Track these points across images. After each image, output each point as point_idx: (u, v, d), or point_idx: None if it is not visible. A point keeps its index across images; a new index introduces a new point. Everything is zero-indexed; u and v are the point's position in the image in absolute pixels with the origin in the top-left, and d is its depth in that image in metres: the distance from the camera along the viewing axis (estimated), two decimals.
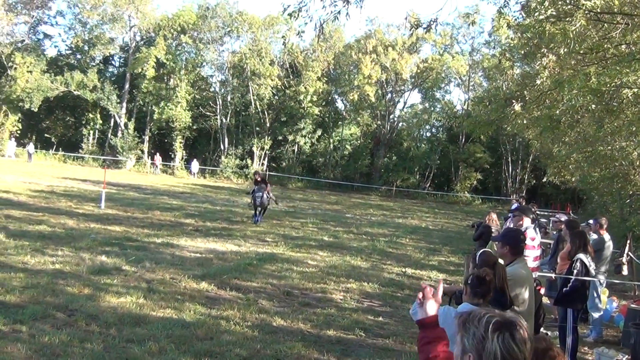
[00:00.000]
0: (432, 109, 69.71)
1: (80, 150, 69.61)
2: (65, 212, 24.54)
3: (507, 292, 5.85)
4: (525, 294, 6.46)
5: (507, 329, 2.71)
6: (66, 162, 66.49)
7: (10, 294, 11.27)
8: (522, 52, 22.00)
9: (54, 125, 74.27)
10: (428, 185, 66.93)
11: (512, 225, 11.90)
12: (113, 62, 77.90)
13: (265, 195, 27.02)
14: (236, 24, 67.34)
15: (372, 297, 14.08)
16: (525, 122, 22.76)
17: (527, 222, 12.10)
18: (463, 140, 65.56)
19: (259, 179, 27.83)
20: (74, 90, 66.65)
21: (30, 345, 8.69)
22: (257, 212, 27.24)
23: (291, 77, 67.92)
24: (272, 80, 65.73)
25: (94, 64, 71.51)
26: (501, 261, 6.48)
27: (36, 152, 65.33)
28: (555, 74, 15.61)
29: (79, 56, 72.67)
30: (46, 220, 21.62)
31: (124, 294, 12.00)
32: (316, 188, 62.93)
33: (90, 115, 70.45)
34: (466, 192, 63.65)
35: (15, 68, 66.64)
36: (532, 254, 10.23)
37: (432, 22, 12.78)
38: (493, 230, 15.12)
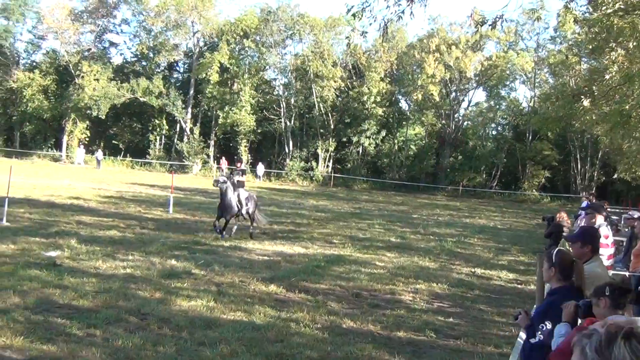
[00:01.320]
0: (498, 106, 68.98)
1: (147, 156, 70.55)
2: (135, 217, 24.91)
3: (584, 291, 5.72)
4: None
5: (634, 336, 2.64)
6: (134, 167, 67.54)
7: (83, 299, 11.44)
8: (590, 47, 21.64)
9: (121, 132, 75.46)
10: (495, 184, 66.19)
11: (584, 224, 11.67)
12: (177, 68, 78.93)
13: (241, 197, 21.55)
14: (298, 26, 67.60)
15: (441, 297, 13.95)
16: (594, 117, 22.43)
17: (600, 219, 11.87)
18: (530, 137, 64.68)
19: (239, 166, 22.96)
20: (140, 97, 67.71)
21: (104, 349, 8.80)
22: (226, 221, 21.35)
23: (354, 78, 67.85)
24: (335, 82, 65.78)
25: (159, 70, 72.58)
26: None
27: (105, 158, 66.53)
28: (625, 68, 15.32)
29: (144, 63, 73.77)
30: (116, 225, 21.97)
31: (195, 297, 12.09)
32: (381, 189, 62.70)
33: (157, 121, 71.39)
34: (534, 191, 62.72)
35: (83, 76, 68.02)
36: (606, 252, 10.01)
37: (497, 19, 12.64)
38: (565, 229, 14.86)
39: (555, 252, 5.88)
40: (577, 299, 5.63)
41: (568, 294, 5.63)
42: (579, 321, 5.22)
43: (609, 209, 26.90)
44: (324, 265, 16.77)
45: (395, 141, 68.93)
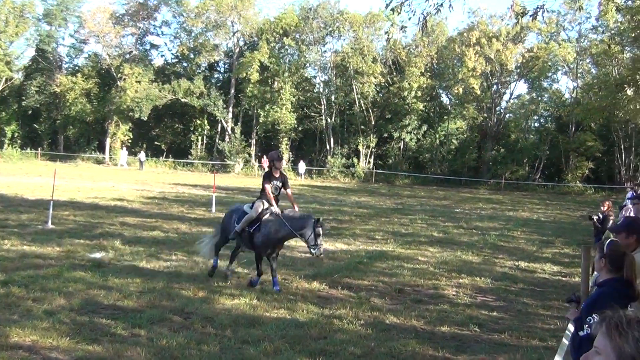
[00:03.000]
0: (540, 98, 68.47)
1: (189, 156, 71.15)
2: (178, 217, 25.07)
3: (634, 284, 5.63)
4: None
5: None
6: (176, 168, 68.14)
7: (128, 299, 11.54)
8: (632, 35, 21.39)
9: (163, 133, 76.16)
10: (538, 176, 65.66)
11: (632, 214, 11.51)
12: (218, 68, 79.38)
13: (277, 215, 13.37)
14: (338, 23, 67.69)
15: (485, 291, 13.85)
16: (638, 107, 22.09)
17: None
18: (573, 129, 64.03)
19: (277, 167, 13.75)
20: (182, 98, 68.28)
21: (149, 349, 8.86)
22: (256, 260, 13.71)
23: (394, 73, 67.73)
24: (375, 77, 65.77)
25: (199, 71, 73.13)
26: None
27: (147, 160, 67.24)
28: None
29: (185, 64, 74.48)
30: (159, 226, 22.13)
31: (238, 296, 12.15)
32: (423, 184, 62.52)
33: (198, 122, 71.97)
34: (578, 182, 62.07)
35: (125, 79, 68.79)
36: None
37: (538, 9, 12.53)
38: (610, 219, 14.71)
39: (607, 243, 5.81)
40: (627, 292, 5.55)
41: (618, 286, 5.56)
42: None
43: None
44: (367, 262, 16.75)
45: (437, 136, 68.72)
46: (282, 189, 13.85)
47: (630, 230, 6.72)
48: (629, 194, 22.49)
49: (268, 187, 13.43)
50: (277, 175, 13.65)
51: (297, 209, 13.56)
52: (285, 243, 17.37)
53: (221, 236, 14.29)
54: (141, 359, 8.53)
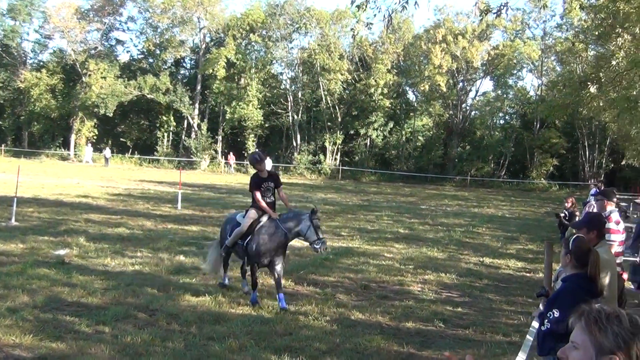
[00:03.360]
0: (505, 96, 68.91)
1: (155, 153, 70.75)
2: (143, 214, 24.94)
3: (598, 280, 5.69)
4: (607, 279, 6.29)
5: None
6: (142, 165, 67.67)
7: (92, 296, 11.47)
8: (596, 33, 21.55)
9: (128, 129, 75.66)
10: (503, 173, 66.19)
11: (596, 210, 11.64)
12: (184, 64, 78.99)
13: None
14: (304, 20, 67.60)
15: (450, 287, 13.95)
16: (601, 104, 22.33)
17: (611, 205, 11.84)
18: (538, 126, 64.61)
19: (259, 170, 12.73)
20: (147, 94, 67.89)
21: (113, 346, 8.82)
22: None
23: (361, 70, 67.84)
24: (342, 74, 65.81)
25: (165, 67, 72.69)
26: None
27: (112, 156, 66.69)
28: (631, 53, 15.24)
29: (150, 60, 74.05)
30: (124, 222, 22.00)
31: (203, 293, 12.12)
32: (390, 181, 62.74)
33: (164, 118, 71.56)
34: (542, 179, 62.71)
35: (90, 75, 68.25)
36: (617, 238, 9.98)
37: (502, 7, 12.61)
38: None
39: (573, 239, 5.86)
40: (590, 287, 5.61)
41: (581, 282, 5.61)
42: None
43: (617, 196, 26.83)
44: (333, 258, 16.77)
45: (403, 132, 68.86)
46: (276, 190, 12.61)
47: (590, 226, 6.82)
48: (593, 191, 22.77)
49: (258, 194, 12.18)
50: (265, 176, 12.43)
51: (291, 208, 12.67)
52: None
53: (222, 248, 12.74)
54: (105, 356, 8.48)
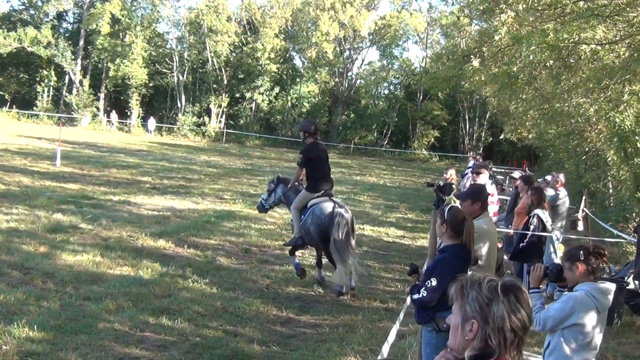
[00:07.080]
0: (390, 66, 69.86)
1: (34, 108, 68.50)
2: (20, 170, 24.17)
3: (472, 249, 5.81)
4: (485, 248, 6.45)
5: (512, 291, 2.70)
6: (20, 119, 65.39)
7: None
8: (481, 8, 21.92)
9: (7, 82, 72.87)
10: (386, 142, 67.23)
11: (470, 182, 11.93)
12: (67, 18, 76.46)
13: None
14: None
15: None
16: (483, 78, 22.77)
17: (484, 177, 12.17)
18: (421, 97, 65.82)
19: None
20: (28, 47, 65.43)
21: None
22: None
23: (248, 33, 67.37)
24: (229, 36, 65.20)
25: (47, 19, 70.10)
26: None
27: None
28: (514, 30, 15.58)
29: (32, 12, 71.31)
30: (0, 178, 21.27)
31: (81, 252, 11.87)
32: (274, 146, 62.84)
33: (45, 72, 69.31)
34: (424, 150, 64.04)
35: None
36: (491, 210, 10.25)
37: None
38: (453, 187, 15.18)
39: (448, 208, 5.95)
40: (466, 258, 5.73)
41: (458, 252, 5.73)
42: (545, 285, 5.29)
43: (494, 169, 27.62)
44: (214, 221, 16.73)
45: (289, 98, 68.94)
46: None
47: (474, 197, 6.95)
48: (471, 163, 23.31)
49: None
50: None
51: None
52: (133, 201, 17.06)
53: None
54: None
